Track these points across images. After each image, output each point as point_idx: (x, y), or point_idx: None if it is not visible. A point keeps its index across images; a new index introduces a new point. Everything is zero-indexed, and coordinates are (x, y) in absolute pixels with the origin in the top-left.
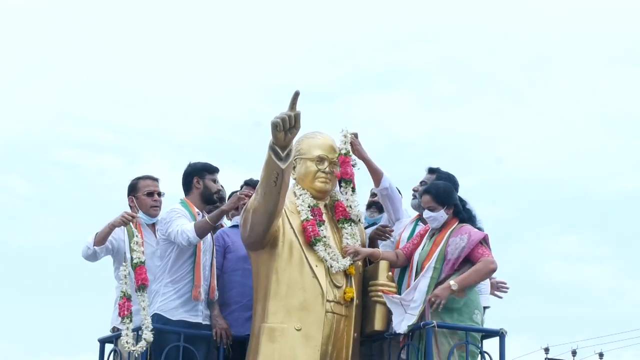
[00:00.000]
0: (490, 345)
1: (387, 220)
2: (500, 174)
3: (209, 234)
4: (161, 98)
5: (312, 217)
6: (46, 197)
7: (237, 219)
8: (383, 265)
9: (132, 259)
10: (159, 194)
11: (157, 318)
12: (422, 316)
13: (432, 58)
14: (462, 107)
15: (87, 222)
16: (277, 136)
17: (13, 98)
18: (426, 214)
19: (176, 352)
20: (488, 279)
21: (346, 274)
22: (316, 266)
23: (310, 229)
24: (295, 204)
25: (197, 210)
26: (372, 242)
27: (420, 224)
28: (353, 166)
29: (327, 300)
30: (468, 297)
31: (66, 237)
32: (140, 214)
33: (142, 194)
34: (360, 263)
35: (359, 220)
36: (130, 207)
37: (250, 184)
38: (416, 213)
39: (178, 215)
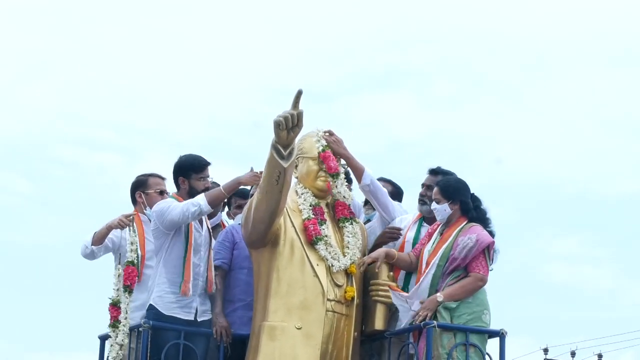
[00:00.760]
0: (491, 346)
1: (379, 218)
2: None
3: (207, 228)
4: (161, 97)
5: (313, 216)
6: (46, 195)
7: (239, 217)
8: (384, 264)
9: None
10: (167, 194)
11: (152, 310)
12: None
13: (432, 58)
14: (462, 107)
15: (86, 220)
16: (280, 135)
17: (13, 97)
18: (432, 205)
19: (176, 349)
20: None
21: (347, 273)
22: (317, 265)
23: (312, 228)
24: (297, 203)
25: None
26: (380, 247)
27: (425, 223)
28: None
29: (328, 299)
30: (477, 297)
31: (66, 236)
32: (147, 211)
33: (154, 191)
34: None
35: (356, 210)
36: (138, 202)
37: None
38: (414, 211)
39: (176, 201)
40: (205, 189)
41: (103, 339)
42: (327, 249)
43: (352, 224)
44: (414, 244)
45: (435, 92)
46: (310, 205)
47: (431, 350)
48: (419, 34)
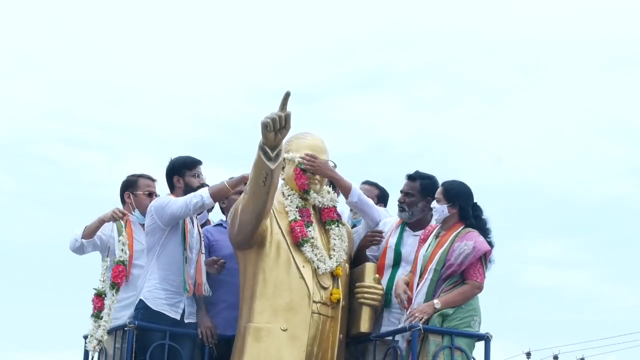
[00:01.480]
0: (475, 350)
1: (365, 224)
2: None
3: (197, 230)
4: (146, 96)
5: (300, 218)
6: (29, 193)
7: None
8: (370, 267)
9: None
10: (157, 196)
11: (141, 304)
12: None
13: (417, 60)
14: (447, 109)
15: (70, 218)
16: (267, 136)
17: None
18: (432, 204)
19: (161, 350)
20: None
21: (333, 276)
22: (303, 267)
23: (298, 230)
24: (284, 205)
25: None
26: (362, 251)
27: (407, 228)
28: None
29: (314, 301)
30: (469, 303)
31: (50, 233)
32: (136, 212)
33: (143, 192)
34: (347, 265)
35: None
36: (127, 203)
37: None
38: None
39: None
40: (201, 186)
41: (87, 338)
42: (313, 251)
43: (338, 226)
44: (396, 249)
45: (421, 94)
46: (296, 207)
47: (416, 353)
48: (404, 35)
